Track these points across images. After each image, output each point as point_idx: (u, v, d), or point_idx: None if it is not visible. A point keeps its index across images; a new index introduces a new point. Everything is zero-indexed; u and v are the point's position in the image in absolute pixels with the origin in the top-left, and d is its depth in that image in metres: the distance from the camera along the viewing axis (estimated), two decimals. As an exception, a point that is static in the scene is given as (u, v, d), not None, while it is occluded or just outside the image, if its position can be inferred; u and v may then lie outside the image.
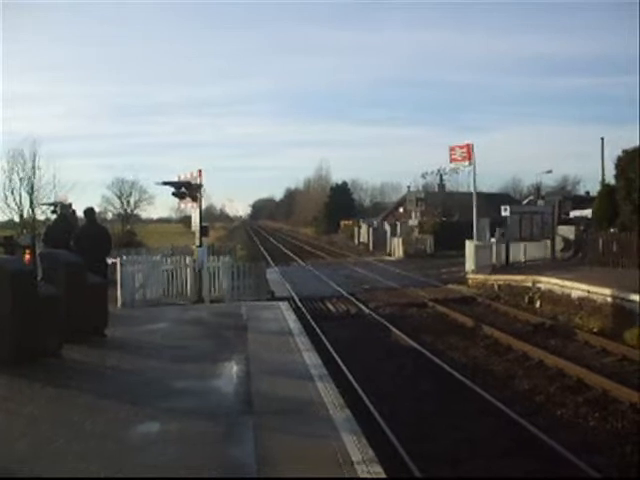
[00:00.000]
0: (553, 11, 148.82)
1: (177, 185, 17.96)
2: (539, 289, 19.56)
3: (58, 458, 5.32)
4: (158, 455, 5.38)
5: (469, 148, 26.46)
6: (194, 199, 17.80)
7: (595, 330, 15.07)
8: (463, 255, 26.98)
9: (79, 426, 6.14)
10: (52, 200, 37.64)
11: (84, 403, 6.97)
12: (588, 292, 16.91)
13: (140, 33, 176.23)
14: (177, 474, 5.03)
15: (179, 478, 5.04)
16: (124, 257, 18.02)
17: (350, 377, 10.95)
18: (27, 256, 17.01)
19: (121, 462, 5.24)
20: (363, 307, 19.66)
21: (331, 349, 13.17)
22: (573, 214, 34.52)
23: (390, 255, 41.73)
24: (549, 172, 59.29)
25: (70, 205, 20.60)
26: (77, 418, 6.40)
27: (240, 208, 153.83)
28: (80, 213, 14.43)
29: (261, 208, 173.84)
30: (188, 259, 17.95)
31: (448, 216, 47.86)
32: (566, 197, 45.25)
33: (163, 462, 5.23)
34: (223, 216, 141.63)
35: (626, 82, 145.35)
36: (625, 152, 24.60)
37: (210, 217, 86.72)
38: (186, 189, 17.67)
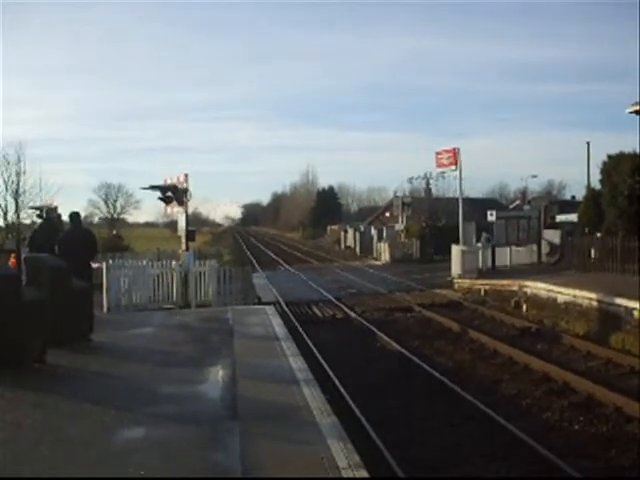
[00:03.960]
0: (539, 19, 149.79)
1: (163, 189, 17.95)
2: (525, 293, 19.63)
3: (41, 465, 5.27)
4: (143, 461, 5.33)
5: (455, 152, 26.54)
6: (180, 203, 17.80)
7: (581, 334, 15.14)
8: (449, 260, 27.05)
9: (63, 432, 6.09)
10: (38, 204, 37.47)
11: (68, 409, 6.91)
12: (574, 296, 16.99)
13: (125, 38, 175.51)
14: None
15: (172, 478, 5.03)
16: (110, 261, 17.94)
17: (337, 382, 10.94)
18: (12, 260, 16.91)
19: (105, 468, 5.20)
20: (349, 311, 19.66)
21: (317, 354, 13.15)
22: (559, 219, 34.66)
23: (377, 259, 41.80)
24: (535, 177, 59.95)
25: (56, 209, 20.50)
26: (61, 424, 6.34)
27: (227, 212, 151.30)
28: (66, 217, 14.34)
29: (251, 212, 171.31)
30: (174, 264, 17.90)
31: (435, 221, 47.94)
32: (552, 202, 45.47)
33: (148, 468, 5.19)
34: (210, 221, 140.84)
35: (611, 89, 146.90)
36: (610, 157, 24.75)
37: (197, 222, 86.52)
38: (172, 193, 17.67)
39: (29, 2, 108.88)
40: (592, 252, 22.81)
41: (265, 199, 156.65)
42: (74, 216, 13.28)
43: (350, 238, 55.34)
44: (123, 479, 5.03)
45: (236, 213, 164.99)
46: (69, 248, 12.05)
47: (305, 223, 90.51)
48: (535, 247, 29.14)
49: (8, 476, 5.08)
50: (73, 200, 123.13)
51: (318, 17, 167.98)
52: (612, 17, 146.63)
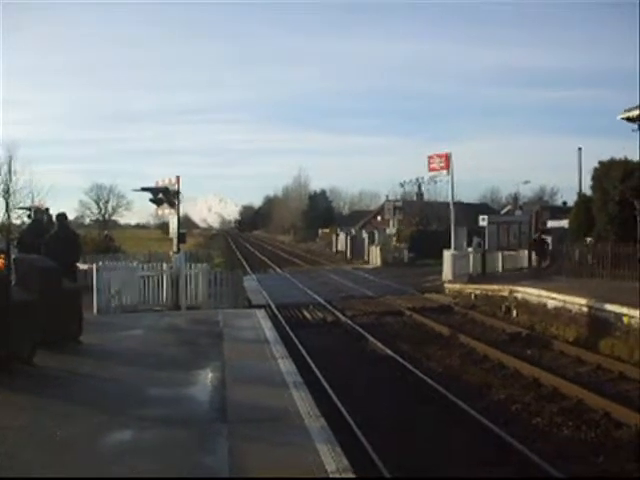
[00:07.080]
0: (531, 25, 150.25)
1: (155, 191, 17.89)
2: (515, 299, 19.65)
3: (26, 469, 5.23)
4: (130, 464, 5.30)
5: (447, 157, 26.62)
6: (171, 205, 17.73)
7: (571, 339, 15.17)
8: (440, 264, 27.09)
9: (50, 435, 6.04)
10: (28, 205, 37.31)
11: (56, 411, 6.86)
12: (564, 302, 17.01)
13: (117, 39, 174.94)
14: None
15: (164, 478, 5.02)
16: (100, 263, 17.82)
17: (326, 385, 10.91)
18: (1, 261, 16.80)
19: (93, 471, 5.16)
20: (340, 315, 19.64)
21: (307, 357, 13.13)
22: (550, 224, 34.77)
23: (368, 263, 41.81)
24: (527, 182, 60.17)
25: (46, 210, 20.45)
26: (49, 426, 6.29)
27: (206, 215, 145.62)
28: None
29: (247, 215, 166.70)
30: (165, 266, 17.81)
31: (426, 225, 48.05)
32: (544, 207, 45.63)
33: (136, 471, 5.15)
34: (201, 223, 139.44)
35: (604, 95, 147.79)
36: (601, 163, 24.84)
37: (188, 224, 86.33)
38: (164, 195, 17.60)
39: (25, 3, 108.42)
40: (582, 258, 22.88)
41: (257, 202, 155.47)
42: (60, 217, 13.27)
43: (342, 242, 55.33)
44: (117, 479, 5.00)
45: (220, 217, 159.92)
46: (54, 249, 12.03)
47: (297, 226, 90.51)
48: (526, 252, 29.21)
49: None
50: (64, 201, 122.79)
51: (314, 21, 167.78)
52: (606, 23, 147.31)
